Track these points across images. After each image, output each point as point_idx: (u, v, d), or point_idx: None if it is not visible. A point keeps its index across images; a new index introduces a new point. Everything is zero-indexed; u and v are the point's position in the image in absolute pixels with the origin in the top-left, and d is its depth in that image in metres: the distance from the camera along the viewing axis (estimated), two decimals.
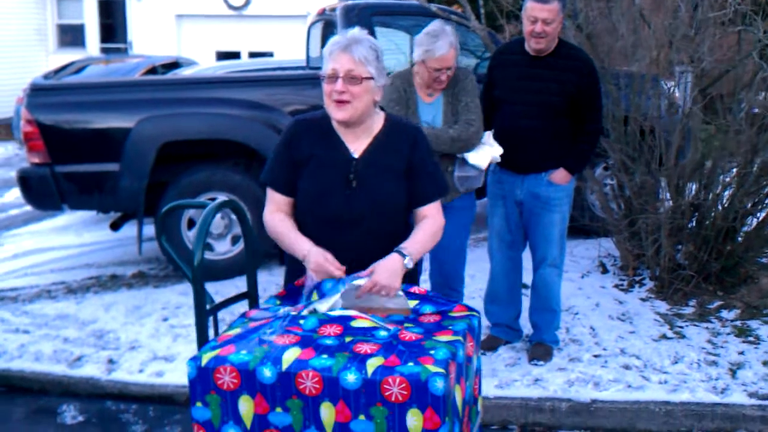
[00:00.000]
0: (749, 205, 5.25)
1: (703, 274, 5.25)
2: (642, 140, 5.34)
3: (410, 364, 2.17)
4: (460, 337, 2.36)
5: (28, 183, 5.62)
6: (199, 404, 2.30)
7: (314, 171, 2.65)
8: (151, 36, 18.10)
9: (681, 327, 4.77)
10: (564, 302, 4.55)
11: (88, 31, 18.82)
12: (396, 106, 3.68)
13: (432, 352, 2.24)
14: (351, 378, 2.16)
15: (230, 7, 18.33)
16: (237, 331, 2.41)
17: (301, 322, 2.39)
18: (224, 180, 5.68)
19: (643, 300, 5.24)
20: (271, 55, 16.65)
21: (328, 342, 2.30)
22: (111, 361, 4.43)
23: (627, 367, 4.21)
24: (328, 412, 2.20)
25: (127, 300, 5.38)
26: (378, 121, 2.71)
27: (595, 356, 4.35)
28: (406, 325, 2.44)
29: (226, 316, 4.40)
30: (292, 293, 2.65)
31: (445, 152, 3.73)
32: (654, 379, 4.08)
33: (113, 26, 18.99)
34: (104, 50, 18.36)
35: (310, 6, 16.22)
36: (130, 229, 6.60)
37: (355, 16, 5.88)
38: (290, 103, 5.80)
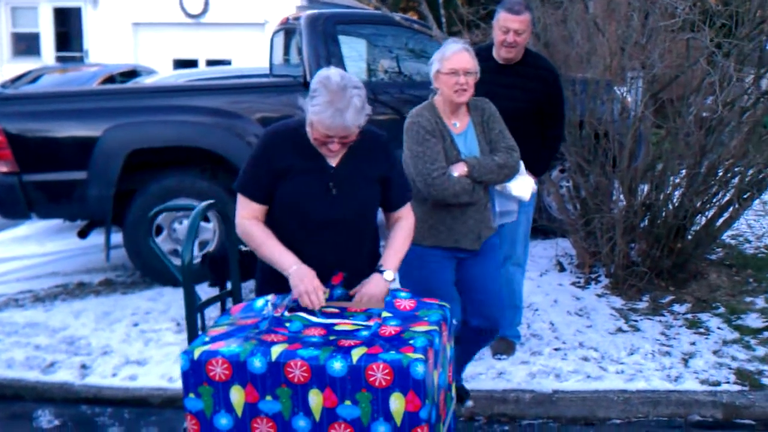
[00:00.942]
0: (698, 204, 5.48)
1: (655, 271, 5.48)
2: (596, 143, 5.54)
3: (392, 352, 2.33)
4: (435, 327, 2.52)
5: None
6: (191, 395, 2.42)
7: (294, 180, 2.75)
8: (107, 44, 17.98)
9: (636, 320, 4.99)
10: (524, 299, 4.74)
11: (43, 39, 18.64)
12: (432, 138, 3.39)
13: (411, 341, 2.39)
14: (337, 365, 2.30)
15: (187, 14, 18.29)
16: (224, 328, 2.54)
17: (287, 324, 2.53)
18: (192, 187, 5.73)
19: (599, 296, 5.45)
20: (228, 62, 16.66)
21: (314, 339, 2.45)
22: (84, 367, 4.48)
23: (586, 359, 4.40)
24: (316, 399, 2.34)
25: (96, 307, 5.42)
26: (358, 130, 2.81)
27: (556, 350, 4.54)
28: (384, 314, 2.58)
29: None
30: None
31: (492, 181, 3.50)
32: (611, 370, 4.27)
33: (68, 35, 18.83)
34: (60, 59, 18.19)
35: (268, 14, 16.33)
36: (94, 238, 6.63)
37: (320, 26, 6.01)
38: (256, 110, 5.90)
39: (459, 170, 3.37)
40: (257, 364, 2.33)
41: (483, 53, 4.33)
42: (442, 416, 2.57)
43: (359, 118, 2.64)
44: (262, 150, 2.79)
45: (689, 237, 5.63)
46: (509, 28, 4.05)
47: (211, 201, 2.87)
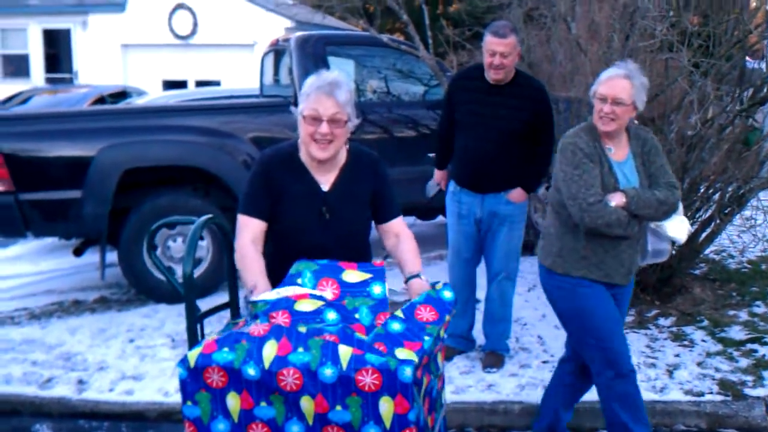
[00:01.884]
0: None
1: (641, 285, 5.59)
2: None
3: (377, 355, 2.41)
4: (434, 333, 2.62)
5: None
6: (189, 403, 2.51)
7: (288, 207, 2.84)
8: (96, 65, 18.08)
9: None
10: (513, 314, 4.85)
11: (33, 61, 18.74)
12: (590, 162, 3.24)
13: (426, 338, 2.52)
14: (328, 372, 2.40)
15: (176, 36, 18.43)
16: (220, 335, 2.63)
17: (299, 281, 2.64)
18: (185, 205, 5.82)
19: None
20: (218, 83, 16.79)
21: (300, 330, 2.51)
22: (81, 382, 4.55)
23: None
24: (308, 405, 2.43)
25: (92, 324, 5.49)
26: (343, 154, 2.93)
27: (544, 362, 4.65)
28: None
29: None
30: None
31: (648, 217, 3.30)
32: None
33: (58, 56, 18.93)
34: (49, 80, 18.27)
35: (257, 35, 16.49)
36: (88, 256, 6.71)
37: (310, 47, 6.15)
38: (248, 130, 6.01)
39: (617, 200, 3.21)
40: (251, 372, 2.42)
41: (474, 73, 4.47)
42: (429, 423, 2.66)
43: (349, 101, 2.74)
44: (258, 174, 2.88)
45: (673, 252, 5.75)
46: (495, 51, 4.18)
47: (211, 215, 2.96)
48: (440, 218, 4.78)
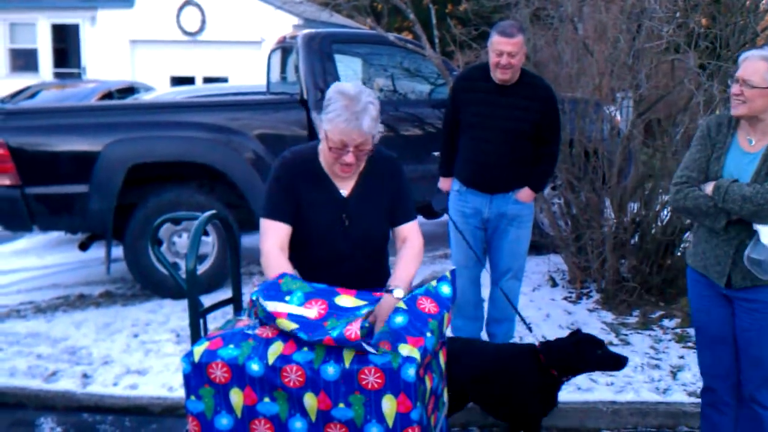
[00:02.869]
0: (686, 221, 5.61)
1: (645, 286, 5.60)
2: (586, 161, 5.67)
3: (380, 352, 2.41)
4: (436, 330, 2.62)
5: None
6: (192, 397, 2.52)
7: (308, 214, 2.79)
8: (104, 61, 18.13)
9: (626, 335, 5.10)
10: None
11: (41, 55, 18.79)
12: (704, 143, 3.13)
13: (428, 335, 2.49)
14: (331, 370, 2.40)
15: (185, 32, 18.47)
16: (224, 330, 2.64)
17: (287, 298, 2.53)
18: (190, 200, 5.83)
19: (590, 311, 5.57)
20: (225, 80, 16.81)
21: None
22: (85, 376, 4.56)
23: None
24: (311, 402, 2.44)
25: (97, 318, 5.52)
26: (370, 146, 2.79)
27: None
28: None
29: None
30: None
31: (734, 212, 3.00)
32: (602, 382, 4.38)
33: (66, 51, 18.98)
34: (57, 75, 18.33)
35: (264, 32, 16.51)
36: (94, 251, 6.74)
37: (317, 44, 6.16)
38: (254, 127, 6.02)
39: (707, 189, 3.05)
40: (255, 367, 2.43)
41: (478, 74, 4.42)
42: (432, 421, 2.66)
43: (374, 127, 2.65)
44: (278, 178, 2.82)
45: (678, 253, 5.76)
46: (502, 51, 4.13)
47: (215, 211, 2.97)
48: (446, 216, 4.75)
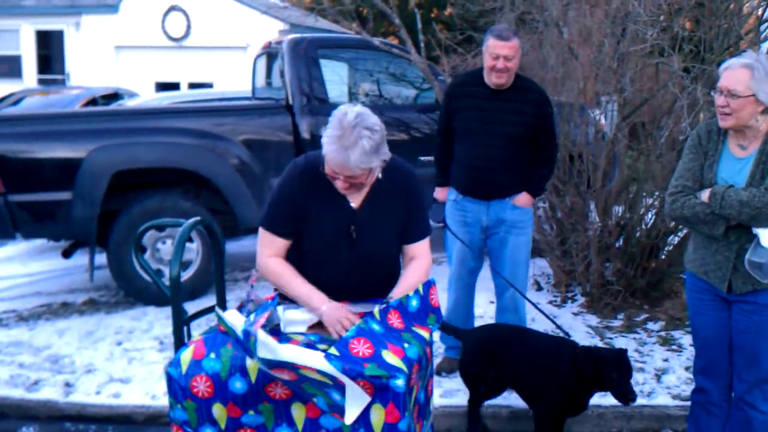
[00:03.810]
0: (671, 224, 5.63)
1: (630, 290, 5.61)
2: (571, 165, 5.68)
3: (368, 365, 2.39)
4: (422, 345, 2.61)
5: None
6: (178, 406, 2.49)
7: (316, 225, 2.73)
8: (89, 67, 18.05)
9: (611, 338, 5.11)
10: None
11: (25, 62, 18.69)
12: (696, 152, 3.14)
13: (406, 345, 2.47)
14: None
15: (170, 38, 18.41)
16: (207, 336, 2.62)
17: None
18: (174, 207, 5.80)
19: (575, 314, 5.57)
20: (210, 85, 16.77)
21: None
22: (68, 385, 4.52)
23: None
24: (298, 411, 2.42)
25: (80, 326, 5.47)
26: (373, 174, 2.74)
27: None
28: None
29: None
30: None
31: (732, 218, 3.00)
32: None
33: (50, 57, 18.88)
34: (41, 81, 18.22)
35: (250, 38, 16.47)
36: (77, 258, 6.69)
37: (302, 50, 6.15)
38: (239, 132, 6.00)
39: (703, 197, 3.05)
40: (238, 385, 2.41)
41: (472, 79, 4.38)
42: (417, 428, 2.65)
43: (365, 161, 2.58)
44: (284, 188, 2.77)
45: (662, 256, 5.77)
46: (499, 55, 4.09)
47: (199, 218, 2.95)
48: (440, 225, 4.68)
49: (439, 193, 4.58)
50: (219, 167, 5.88)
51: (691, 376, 4.47)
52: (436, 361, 4.56)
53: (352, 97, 6.62)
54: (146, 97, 10.88)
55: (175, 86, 17.46)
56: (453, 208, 4.46)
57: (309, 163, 2.77)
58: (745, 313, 3.14)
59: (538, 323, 5.33)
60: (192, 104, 7.56)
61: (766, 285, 3.04)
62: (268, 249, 2.75)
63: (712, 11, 5.44)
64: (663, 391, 4.33)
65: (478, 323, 4.74)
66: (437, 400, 4.19)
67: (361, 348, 2.42)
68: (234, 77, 15.34)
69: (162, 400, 4.22)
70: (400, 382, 2.35)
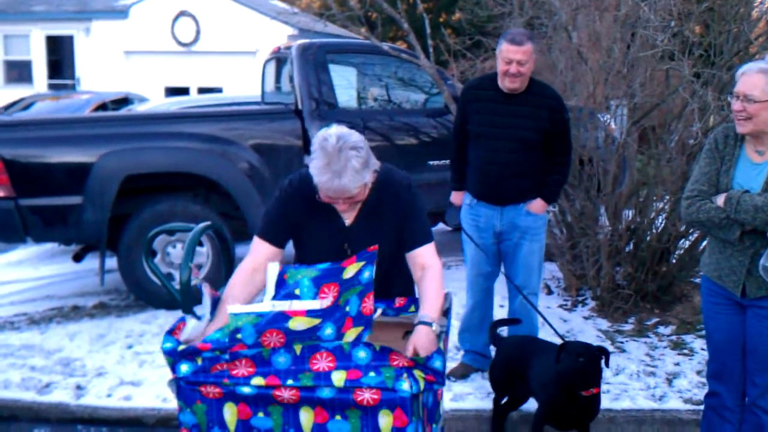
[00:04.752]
0: (681, 228, 5.61)
1: (640, 293, 5.60)
2: (581, 169, 5.67)
3: (371, 374, 2.40)
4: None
5: None
6: (187, 410, 2.51)
7: (308, 242, 2.78)
8: (99, 72, 18.14)
9: (621, 342, 5.09)
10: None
11: (36, 67, 18.80)
12: (713, 156, 3.15)
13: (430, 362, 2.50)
14: (326, 390, 2.40)
15: (179, 43, 18.50)
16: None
17: (297, 292, 2.50)
18: (185, 211, 5.81)
19: (585, 318, 5.56)
20: (220, 90, 16.82)
21: (281, 360, 2.47)
22: (79, 387, 4.54)
23: None
24: (306, 416, 2.43)
25: (91, 329, 5.49)
26: (367, 187, 2.75)
27: None
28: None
29: None
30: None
31: (747, 223, 3.01)
32: None
33: (60, 62, 18.98)
34: (52, 86, 18.33)
35: (259, 43, 16.52)
36: (88, 262, 6.72)
37: (311, 54, 6.17)
38: (249, 137, 6.02)
39: (719, 201, 3.07)
40: (246, 390, 2.42)
41: (486, 83, 4.35)
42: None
43: (359, 179, 2.60)
44: (279, 204, 2.82)
45: (673, 260, 5.76)
46: (512, 59, 4.06)
47: (209, 222, 2.96)
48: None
49: (455, 197, 4.56)
50: (229, 171, 5.90)
51: (702, 380, 4.47)
52: (452, 365, 4.56)
53: (361, 101, 6.64)
54: (156, 102, 10.93)
55: (184, 91, 17.55)
56: (467, 213, 4.44)
57: (303, 180, 2.78)
58: (759, 318, 3.15)
59: (548, 327, 5.33)
60: (202, 109, 7.58)
61: None
62: (252, 255, 2.81)
63: (722, 16, 5.44)
64: (675, 395, 4.31)
65: None
66: (448, 404, 4.19)
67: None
68: (243, 82, 15.38)
69: (172, 403, 4.17)
70: (406, 387, 2.37)
